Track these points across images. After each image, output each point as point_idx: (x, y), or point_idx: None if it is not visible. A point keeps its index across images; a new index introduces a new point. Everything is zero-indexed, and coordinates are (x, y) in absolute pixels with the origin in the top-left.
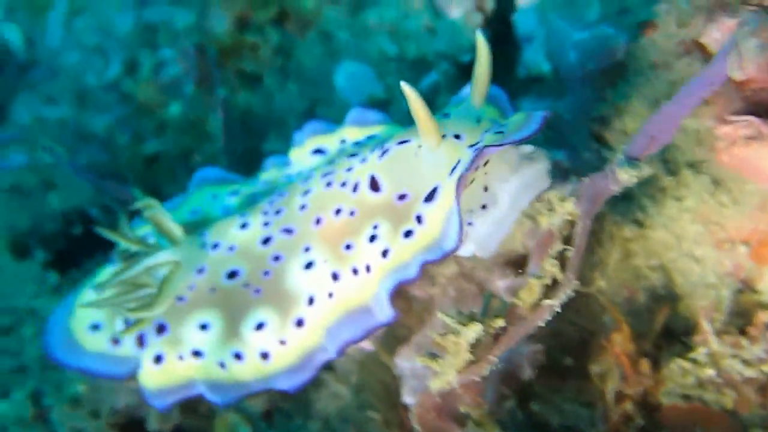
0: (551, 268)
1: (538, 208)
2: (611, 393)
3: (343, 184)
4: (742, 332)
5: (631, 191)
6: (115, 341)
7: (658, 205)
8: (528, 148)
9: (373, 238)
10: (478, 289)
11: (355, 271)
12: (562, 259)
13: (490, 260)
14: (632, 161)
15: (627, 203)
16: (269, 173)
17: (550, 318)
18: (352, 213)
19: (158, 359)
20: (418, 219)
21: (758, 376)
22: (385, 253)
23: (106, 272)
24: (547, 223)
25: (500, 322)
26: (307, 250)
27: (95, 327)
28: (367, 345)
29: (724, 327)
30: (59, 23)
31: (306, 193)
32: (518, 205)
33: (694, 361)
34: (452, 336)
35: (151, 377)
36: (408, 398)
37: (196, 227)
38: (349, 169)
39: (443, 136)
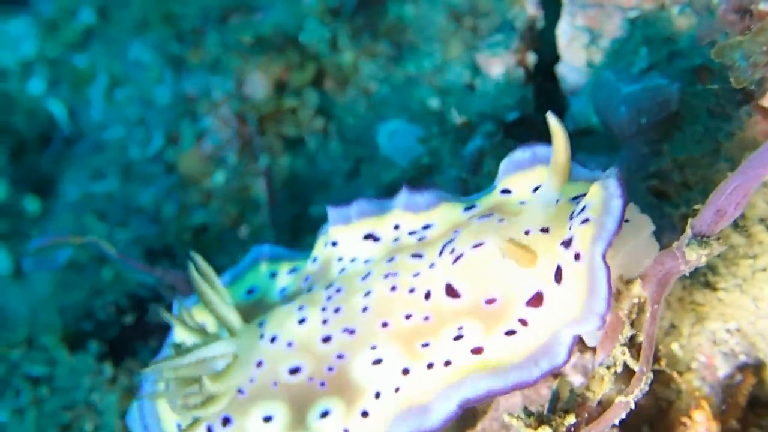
0: (622, 355)
1: None
2: None
3: (412, 290)
4: None
5: None
6: None
7: (730, 264)
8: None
9: (458, 338)
10: None
11: (430, 366)
12: (632, 346)
13: None
14: (701, 239)
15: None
16: (321, 251)
17: (624, 416)
18: (426, 318)
19: None
20: (522, 322)
21: None
22: (477, 351)
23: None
24: (614, 307)
25: (571, 419)
26: (373, 348)
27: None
28: None
29: None
30: (101, 96)
31: (367, 294)
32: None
33: None
34: None
35: None
36: None
37: (253, 311)
38: (416, 275)
39: (526, 233)
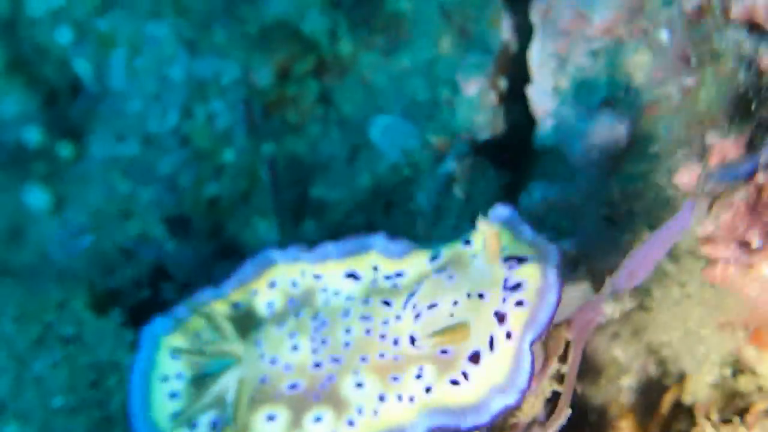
0: (549, 386)
1: None
2: None
3: (383, 336)
4: (741, 414)
5: None
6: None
7: (663, 288)
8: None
9: (418, 377)
10: None
11: (399, 398)
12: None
13: None
14: (616, 295)
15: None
16: (300, 279)
17: None
18: (395, 358)
19: None
20: (465, 375)
21: None
22: (428, 390)
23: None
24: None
25: None
26: (356, 373)
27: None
28: None
29: (724, 409)
30: (122, 63)
31: (348, 331)
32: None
33: None
34: None
35: None
36: None
37: (244, 323)
38: (385, 322)
39: (468, 296)
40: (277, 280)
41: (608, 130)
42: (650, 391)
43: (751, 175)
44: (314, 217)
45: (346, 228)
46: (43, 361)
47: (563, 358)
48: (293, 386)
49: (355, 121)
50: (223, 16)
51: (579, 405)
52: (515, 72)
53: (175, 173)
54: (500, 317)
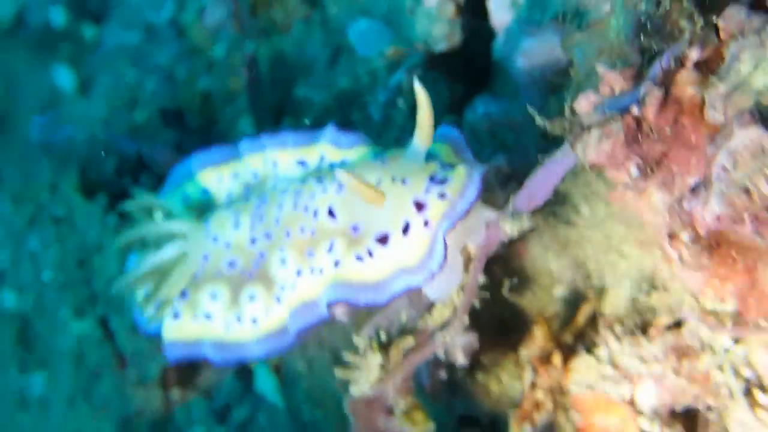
0: (456, 298)
1: None
2: (527, 380)
3: (306, 209)
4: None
5: (567, 192)
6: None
7: (590, 205)
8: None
9: (330, 250)
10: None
11: (311, 271)
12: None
13: None
14: (516, 214)
15: (561, 205)
16: (261, 168)
17: (440, 350)
18: (312, 233)
19: (176, 316)
20: (369, 253)
21: (655, 372)
22: (336, 264)
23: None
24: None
25: (409, 342)
26: (281, 250)
27: None
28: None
29: (632, 324)
30: None
31: (280, 207)
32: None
33: (597, 358)
34: (362, 358)
35: (169, 330)
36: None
37: (206, 208)
38: (311, 196)
39: (393, 179)
40: (240, 171)
41: (550, 48)
42: (575, 303)
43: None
44: (293, 116)
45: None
46: (37, 238)
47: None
48: (231, 263)
49: (339, 22)
50: None
51: (506, 311)
52: None
53: (172, 65)
54: (419, 205)
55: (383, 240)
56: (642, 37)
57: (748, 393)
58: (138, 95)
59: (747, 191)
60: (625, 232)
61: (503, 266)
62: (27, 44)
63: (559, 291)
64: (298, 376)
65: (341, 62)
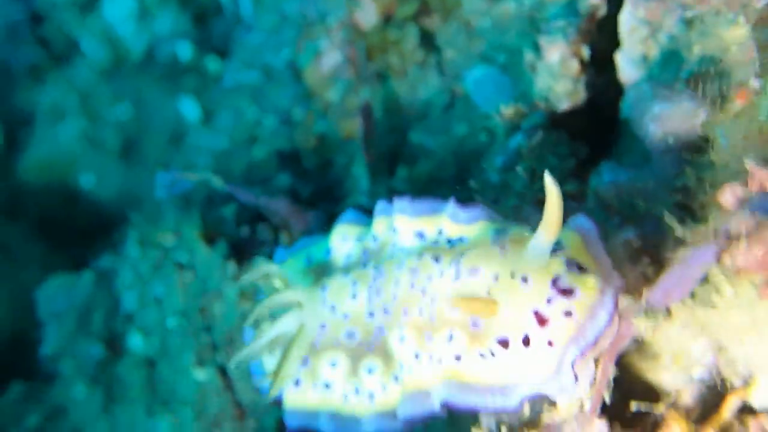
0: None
1: None
2: None
3: (423, 291)
4: None
5: (707, 271)
6: None
7: (735, 286)
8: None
9: (450, 339)
10: None
11: (430, 358)
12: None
13: None
14: (650, 311)
15: (701, 285)
16: (383, 232)
17: None
18: (431, 318)
19: (297, 383)
20: (492, 353)
21: None
22: (458, 358)
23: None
24: None
25: None
26: (400, 327)
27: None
28: None
29: None
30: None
31: (396, 283)
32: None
33: None
34: None
35: (289, 397)
36: None
37: (324, 271)
38: (429, 278)
39: (512, 275)
40: (364, 234)
41: (686, 116)
42: (716, 391)
43: None
44: (407, 163)
45: (436, 181)
46: (161, 283)
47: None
48: (350, 334)
49: (456, 67)
50: None
51: (636, 391)
52: (605, 38)
53: (289, 106)
54: (541, 320)
55: (504, 344)
56: None
57: None
58: (257, 132)
59: None
60: None
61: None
62: (156, 76)
63: (698, 373)
64: None
65: (458, 108)
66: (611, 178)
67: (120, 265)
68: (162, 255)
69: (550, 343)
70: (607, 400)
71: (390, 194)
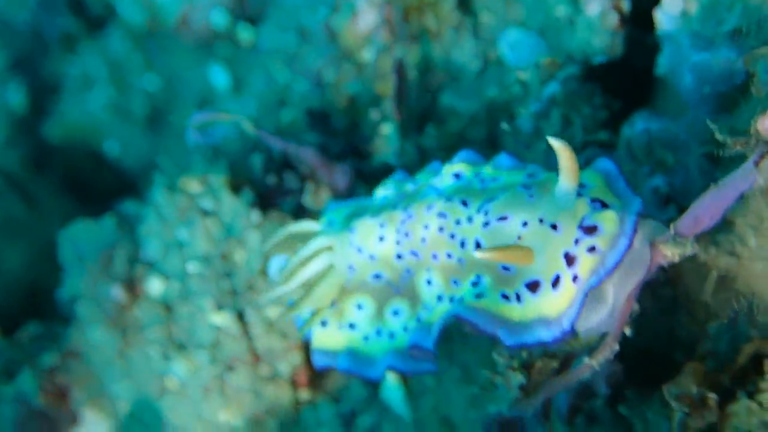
0: None
1: None
2: (677, 422)
3: (452, 236)
4: None
5: (732, 221)
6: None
7: (760, 237)
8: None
9: (475, 284)
10: None
11: (451, 300)
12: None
13: None
14: (679, 239)
15: (725, 234)
16: (424, 175)
17: (589, 377)
18: (460, 261)
19: (324, 324)
20: (518, 297)
21: None
22: (479, 296)
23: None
24: None
25: (555, 363)
26: (428, 270)
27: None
28: None
29: None
30: None
31: (426, 227)
32: (624, 294)
33: (760, 404)
34: (502, 377)
35: (317, 338)
36: None
37: (359, 212)
38: (458, 222)
39: (541, 221)
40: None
41: (725, 64)
42: (734, 342)
43: None
44: (437, 124)
45: (466, 141)
46: (185, 229)
47: None
48: (377, 276)
49: (492, 31)
50: None
51: (654, 341)
52: None
53: (321, 67)
54: (569, 259)
55: (533, 287)
56: None
57: None
58: (287, 96)
59: None
60: None
61: (651, 292)
62: (188, 44)
63: (715, 327)
64: (425, 388)
65: (491, 72)
66: (644, 127)
67: (145, 210)
68: (188, 201)
69: (575, 279)
70: (628, 332)
71: (419, 152)
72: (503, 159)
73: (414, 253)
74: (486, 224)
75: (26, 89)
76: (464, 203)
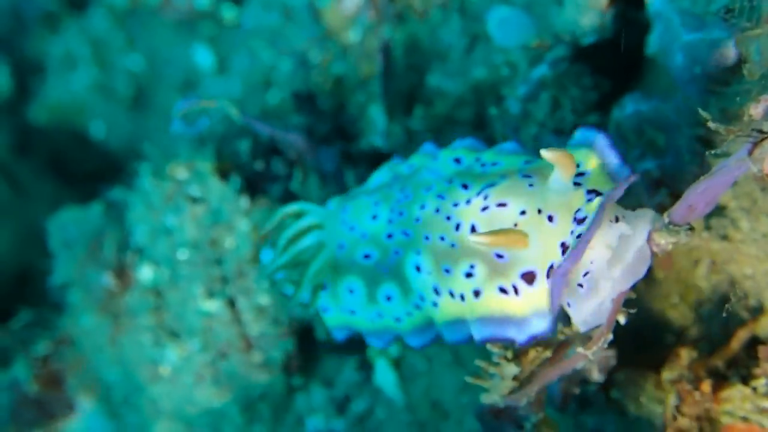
0: None
1: None
2: (671, 407)
3: (448, 218)
4: None
5: (725, 204)
6: None
7: (752, 221)
8: (626, 228)
9: (469, 275)
10: None
11: (451, 294)
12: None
13: None
14: (671, 227)
15: (717, 217)
16: (421, 159)
17: (582, 365)
18: (453, 245)
19: (325, 310)
20: (515, 289)
21: None
22: (477, 294)
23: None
24: None
25: (548, 353)
26: (418, 253)
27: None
28: None
29: None
30: None
31: (422, 207)
32: (619, 290)
33: (754, 389)
34: (495, 367)
35: (327, 320)
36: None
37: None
38: (455, 204)
39: (539, 211)
40: (398, 164)
41: (716, 44)
42: (727, 325)
43: None
44: (425, 105)
45: (453, 122)
46: (173, 216)
47: None
48: (367, 255)
49: (478, 9)
50: None
51: (646, 325)
52: None
53: (307, 48)
54: (564, 249)
55: (529, 278)
56: None
57: None
58: (272, 77)
59: None
60: None
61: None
62: (171, 23)
63: (707, 310)
64: (417, 373)
65: (478, 51)
66: (634, 109)
67: (132, 196)
68: (175, 187)
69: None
70: (622, 321)
71: (407, 134)
72: (508, 146)
73: (405, 233)
74: (485, 209)
75: (9, 70)
76: (465, 186)
